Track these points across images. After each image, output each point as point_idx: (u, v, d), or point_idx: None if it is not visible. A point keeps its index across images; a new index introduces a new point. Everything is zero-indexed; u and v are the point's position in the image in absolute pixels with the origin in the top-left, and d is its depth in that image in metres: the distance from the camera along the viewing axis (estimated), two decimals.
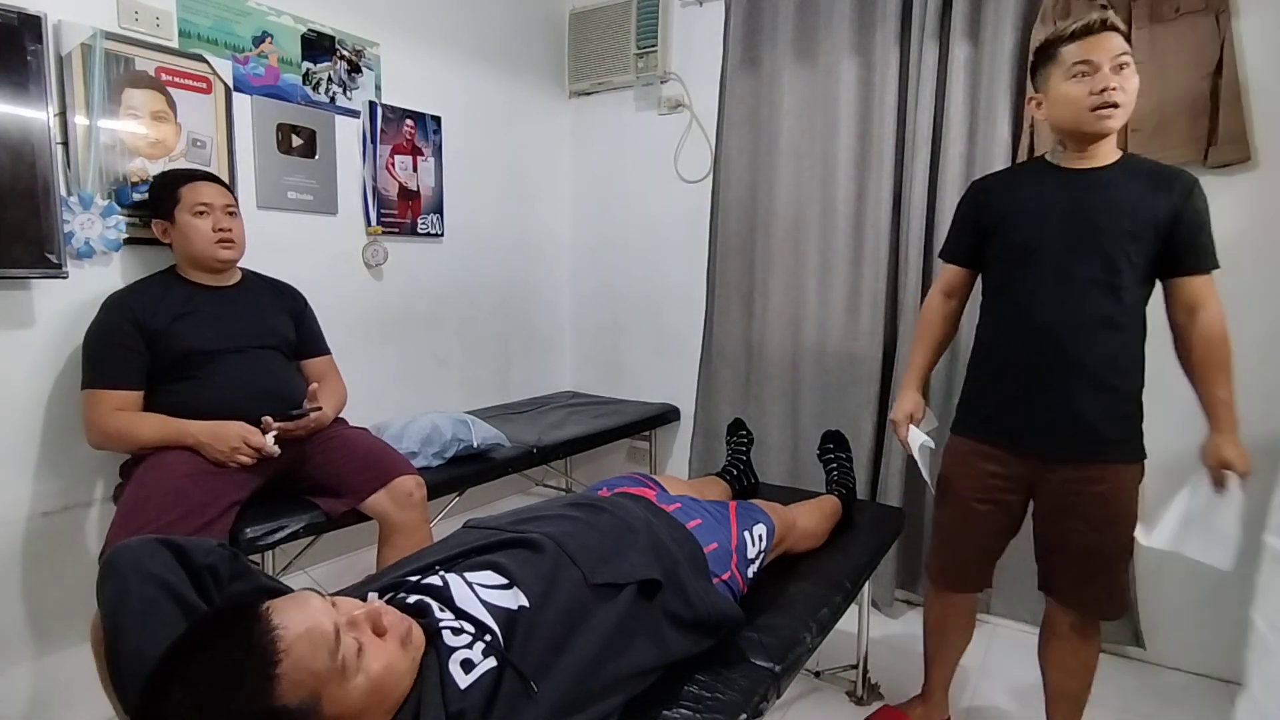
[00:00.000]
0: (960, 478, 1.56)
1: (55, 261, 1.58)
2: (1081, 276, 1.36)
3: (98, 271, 1.73)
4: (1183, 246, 1.34)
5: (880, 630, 2.19)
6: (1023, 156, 2.06)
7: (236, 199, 1.78)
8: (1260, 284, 1.87)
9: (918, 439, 1.59)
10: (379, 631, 0.80)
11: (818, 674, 1.99)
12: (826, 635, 1.41)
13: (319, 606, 0.77)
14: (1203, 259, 1.35)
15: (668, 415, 2.90)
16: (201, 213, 1.67)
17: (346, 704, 0.74)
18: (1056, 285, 1.38)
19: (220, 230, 1.69)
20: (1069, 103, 1.34)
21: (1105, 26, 1.32)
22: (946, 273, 1.62)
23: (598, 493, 1.43)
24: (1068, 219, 1.38)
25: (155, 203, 1.71)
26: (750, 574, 1.35)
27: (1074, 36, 1.34)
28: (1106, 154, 1.39)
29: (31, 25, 1.51)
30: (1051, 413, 1.41)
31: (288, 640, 0.71)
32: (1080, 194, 1.38)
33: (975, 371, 1.56)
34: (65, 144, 1.66)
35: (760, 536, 1.41)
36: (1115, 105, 1.31)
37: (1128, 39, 1.34)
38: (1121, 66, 1.31)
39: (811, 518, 1.66)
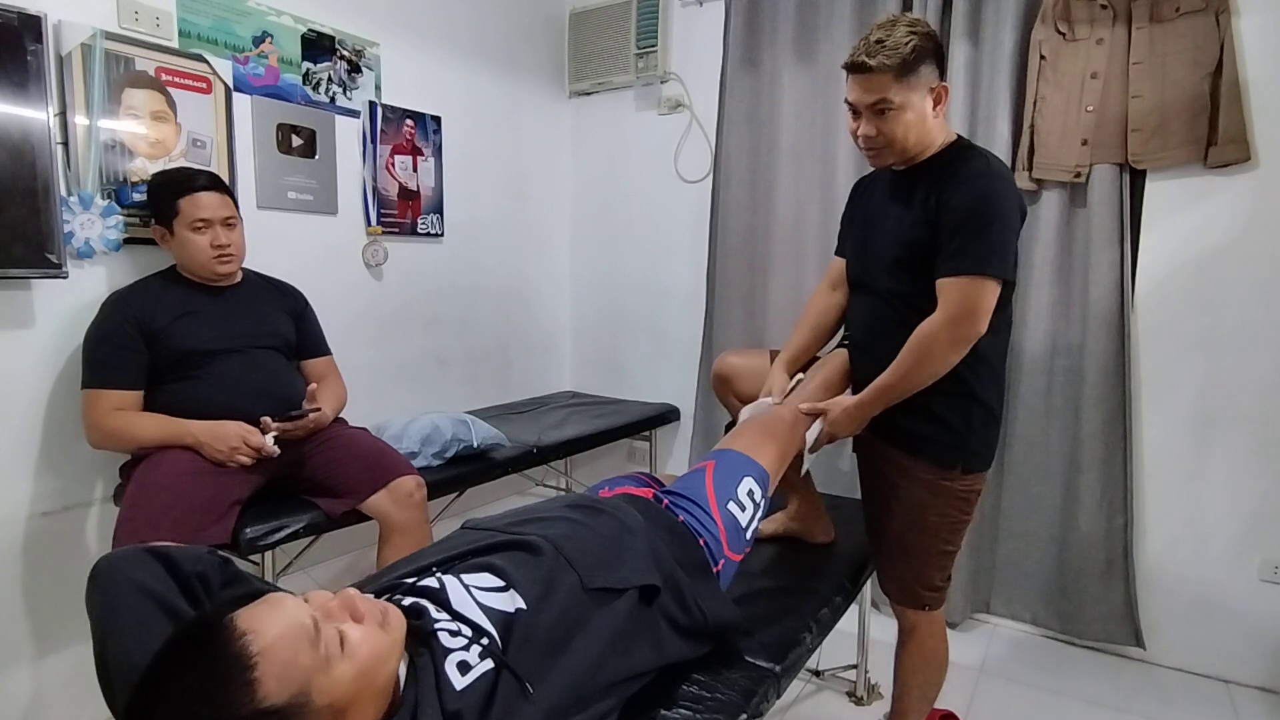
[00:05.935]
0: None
1: (55, 261, 1.58)
2: None
3: (98, 271, 1.73)
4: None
5: (880, 630, 2.18)
6: (1022, 156, 2.06)
7: (237, 202, 1.75)
8: (1261, 283, 1.87)
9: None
10: (356, 618, 0.80)
11: (818, 674, 1.99)
12: (826, 635, 1.41)
13: (293, 604, 0.77)
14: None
15: (668, 415, 2.89)
16: (199, 228, 1.65)
17: (337, 692, 0.75)
18: None
19: (218, 246, 1.67)
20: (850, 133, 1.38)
21: (860, 69, 1.29)
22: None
23: (599, 492, 1.42)
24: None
25: (153, 208, 1.69)
26: (749, 536, 1.31)
27: (847, 71, 1.33)
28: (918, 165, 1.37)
29: (31, 25, 1.51)
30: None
31: (261, 643, 0.71)
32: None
33: None
34: (65, 144, 1.66)
35: (751, 492, 1.33)
36: (876, 148, 1.33)
37: (908, 68, 1.27)
38: (882, 111, 1.29)
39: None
